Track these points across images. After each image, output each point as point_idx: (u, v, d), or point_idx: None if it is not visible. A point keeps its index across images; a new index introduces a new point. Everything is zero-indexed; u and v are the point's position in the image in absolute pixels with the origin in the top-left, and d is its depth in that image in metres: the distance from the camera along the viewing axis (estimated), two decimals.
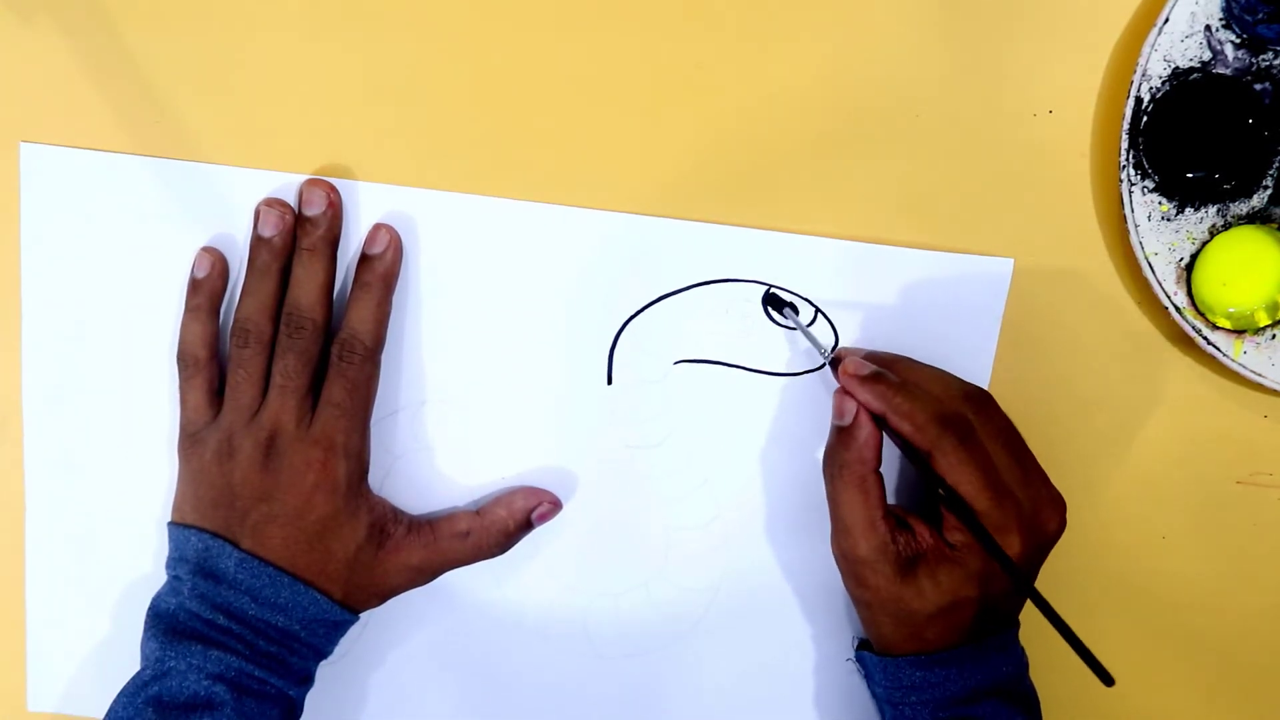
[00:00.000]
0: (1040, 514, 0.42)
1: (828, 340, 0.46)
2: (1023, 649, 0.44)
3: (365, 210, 0.46)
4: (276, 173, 0.46)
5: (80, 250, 0.47)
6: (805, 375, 0.47)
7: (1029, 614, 0.44)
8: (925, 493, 0.48)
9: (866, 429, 0.43)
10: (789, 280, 0.46)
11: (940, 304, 0.46)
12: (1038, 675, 0.45)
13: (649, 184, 0.46)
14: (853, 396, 0.43)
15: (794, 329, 0.47)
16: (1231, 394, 0.47)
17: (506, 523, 0.47)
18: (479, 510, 0.47)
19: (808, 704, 0.49)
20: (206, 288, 0.46)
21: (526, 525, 0.47)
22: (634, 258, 0.47)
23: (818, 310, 0.46)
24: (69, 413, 0.48)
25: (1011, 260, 0.46)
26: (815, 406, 0.47)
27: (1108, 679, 0.36)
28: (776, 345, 0.47)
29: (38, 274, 0.47)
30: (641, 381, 0.47)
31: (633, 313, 0.47)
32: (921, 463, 0.42)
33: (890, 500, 0.45)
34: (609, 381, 0.47)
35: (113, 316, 0.47)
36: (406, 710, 0.50)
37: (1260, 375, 0.45)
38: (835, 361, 0.44)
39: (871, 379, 0.43)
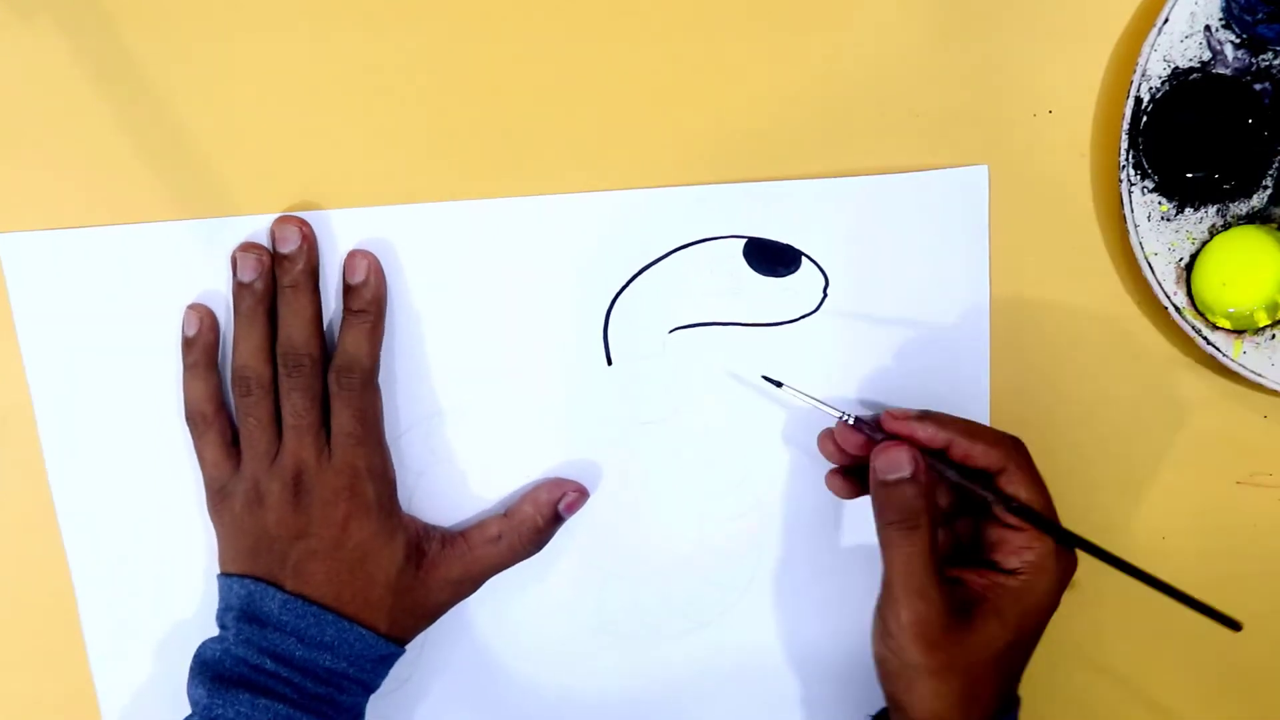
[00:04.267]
0: (1064, 552, 0.42)
1: (835, 403, 0.45)
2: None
3: (340, 237, 0.46)
4: (246, 217, 0.46)
5: (76, 331, 0.47)
6: (802, 320, 0.47)
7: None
8: (972, 524, 0.46)
9: (922, 476, 0.41)
10: (766, 229, 0.46)
11: (922, 224, 0.46)
12: (1038, 684, 0.45)
13: (643, 183, 0.46)
14: (910, 439, 0.41)
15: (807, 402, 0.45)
16: (1231, 394, 0.47)
17: (535, 519, 0.46)
18: (507, 512, 0.47)
19: (827, 701, 0.49)
20: (199, 343, 0.46)
21: (556, 518, 0.47)
22: (608, 235, 0.46)
23: (803, 255, 0.46)
24: (102, 500, 0.48)
25: (985, 166, 0.45)
26: (817, 351, 0.47)
27: (1234, 624, 0.39)
28: (767, 296, 0.46)
29: (39, 357, 0.47)
30: (640, 356, 0.47)
31: (617, 290, 0.47)
32: (986, 484, 0.41)
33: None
34: (608, 362, 0.47)
35: (123, 388, 0.47)
36: (413, 704, 0.50)
37: (1260, 375, 0.45)
38: (855, 426, 0.43)
39: (920, 417, 0.42)
